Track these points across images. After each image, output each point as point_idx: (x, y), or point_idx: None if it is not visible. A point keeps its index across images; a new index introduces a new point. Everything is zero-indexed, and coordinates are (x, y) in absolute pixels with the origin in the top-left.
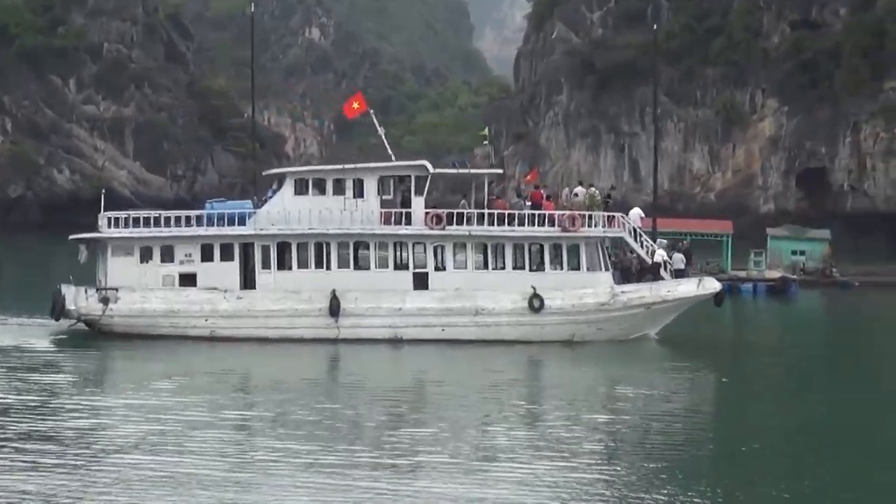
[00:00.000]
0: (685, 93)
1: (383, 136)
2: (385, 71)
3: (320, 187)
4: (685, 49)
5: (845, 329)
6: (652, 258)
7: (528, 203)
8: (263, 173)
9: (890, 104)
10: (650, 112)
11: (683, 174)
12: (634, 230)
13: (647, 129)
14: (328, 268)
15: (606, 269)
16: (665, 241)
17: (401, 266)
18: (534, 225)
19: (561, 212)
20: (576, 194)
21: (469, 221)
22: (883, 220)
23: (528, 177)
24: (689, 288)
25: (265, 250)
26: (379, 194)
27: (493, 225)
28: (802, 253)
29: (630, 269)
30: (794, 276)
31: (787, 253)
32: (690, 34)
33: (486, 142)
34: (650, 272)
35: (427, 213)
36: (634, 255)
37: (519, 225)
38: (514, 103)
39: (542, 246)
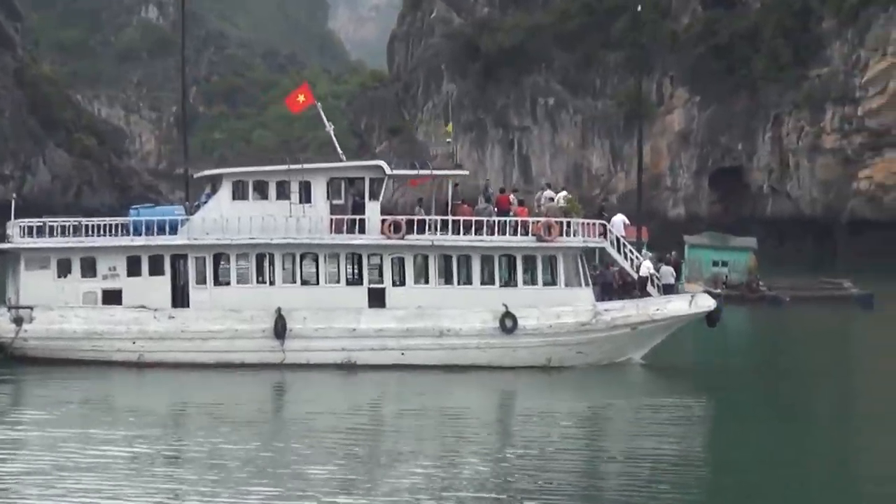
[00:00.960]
0: (583, 81)
1: (331, 132)
2: (232, 56)
3: (262, 191)
4: (583, 31)
5: (792, 354)
6: (638, 272)
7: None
8: (195, 175)
9: (815, 93)
10: (543, 103)
11: (581, 174)
12: (617, 240)
13: (540, 122)
14: (272, 283)
15: (587, 285)
16: (651, 253)
17: (354, 281)
18: (504, 234)
19: (535, 219)
20: (551, 199)
21: (431, 230)
22: (807, 225)
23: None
24: (680, 306)
25: (200, 263)
26: (329, 199)
27: (458, 234)
28: (725, 264)
29: (611, 285)
30: (718, 291)
31: (708, 264)
32: (589, 15)
33: (448, 139)
34: (636, 288)
35: (384, 221)
36: (616, 268)
37: (488, 234)
38: (388, 93)
39: (514, 258)
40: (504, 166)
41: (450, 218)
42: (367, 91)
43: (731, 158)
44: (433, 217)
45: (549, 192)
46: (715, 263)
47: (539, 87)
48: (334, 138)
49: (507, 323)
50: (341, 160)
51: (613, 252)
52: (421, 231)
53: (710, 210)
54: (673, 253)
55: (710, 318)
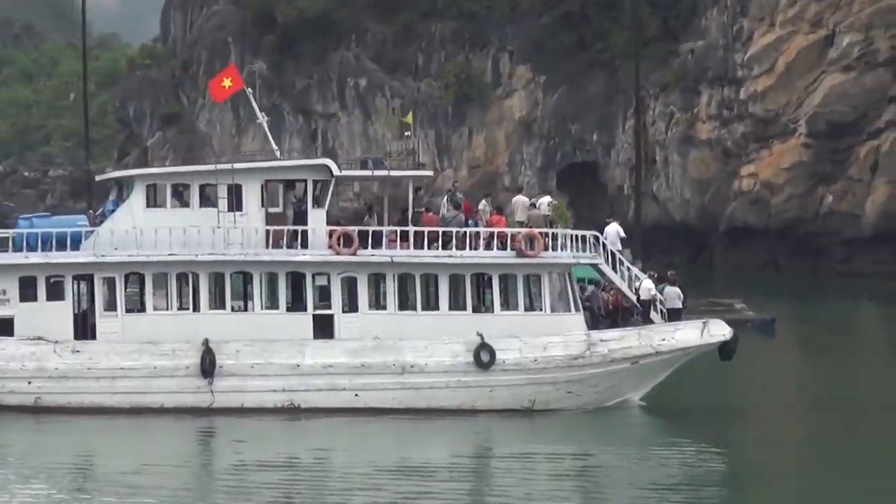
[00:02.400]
0: (402, 58)
1: (265, 125)
2: None
3: (182, 196)
4: None
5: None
6: (637, 293)
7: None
8: (98, 177)
9: (688, 72)
10: (353, 84)
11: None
12: (612, 255)
13: (349, 108)
14: (197, 309)
15: (577, 310)
16: (653, 271)
17: (296, 306)
18: (478, 248)
19: (515, 230)
20: (533, 205)
21: (389, 244)
22: (678, 233)
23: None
24: (690, 335)
25: (109, 285)
26: (264, 205)
27: (422, 248)
28: (593, 282)
29: (595, 310)
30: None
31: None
32: None
33: (408, 132)
34: (633, 313)
35: (331, 233)
36: (607, 291)
37: (458, 248)
38: (162, 73)
39: (489, 277)
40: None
41: (411, 229)
42: (135, 71)
43: (583, 152)
44: (392, 228)
45: (521, 198)
46: (581, 281)
47: (348, 66)
48: (268, 131)
49: (483, 356)
50: (278, 158)
51: (608, 270)
52: (377, 245)
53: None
54: (672, 272)
55: (725, 349)
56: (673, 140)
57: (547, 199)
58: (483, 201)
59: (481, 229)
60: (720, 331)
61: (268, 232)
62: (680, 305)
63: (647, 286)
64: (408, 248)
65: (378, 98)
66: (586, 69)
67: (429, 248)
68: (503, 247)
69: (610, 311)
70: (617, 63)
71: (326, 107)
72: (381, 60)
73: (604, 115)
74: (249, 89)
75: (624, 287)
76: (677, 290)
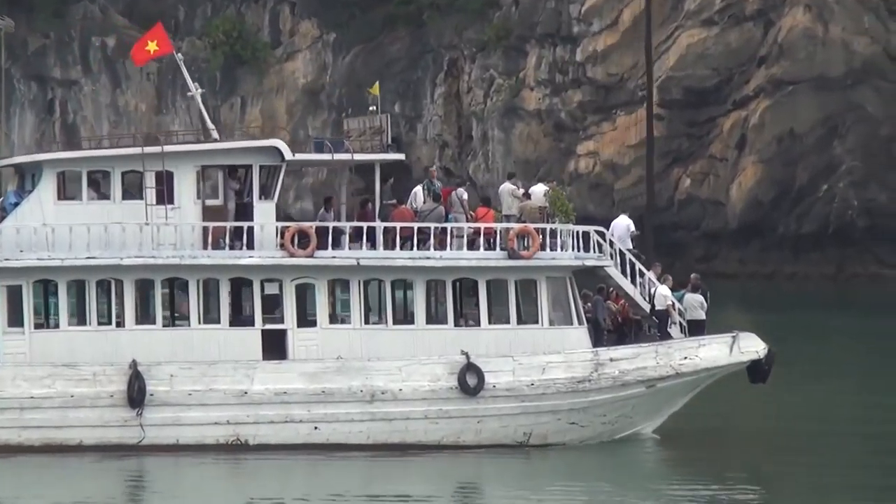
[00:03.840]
0: (158, 12)
1: (199, 98)
2: None
3: (101, 186)
4: None
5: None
6: (652, 302)
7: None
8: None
9: (512, 28)
10: (99, 45)
11: None
12: (621, 255)
13: (95, 73)
14: (121, 324)
15: (581, 322)
16: (669, 274)
17: (242, 320)
18: (461, 247)
19: (506, 225)
20: (527, 194)
21: (354, 243)
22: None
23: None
24: (717, 352)
25: (12, 296)
26: (200, 197)
27: (393, 248)
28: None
29: (601, 323)
30: None
31: None
32: None
33: (372, 107)
34: (643, 327)
35: (283, 230)
36: (612, 299)
37: (437, 248)
38: None
39: (475, 283)
40: (41, 141)
41: (379, 224)
42: None
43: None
44: (357, 224)
45: (509, 186)
46: None
47: (93, 21)
48: (202, 107)
49: (469, 380)
50: (215, 139)
51: (618, 274)
52: (338, 245)
53: (351, 204)
54: (695, 275)
55: (757, 369)
56: (494, 111)
57: (542, 186)
58: (460, 189)
59: (465, 225)
60: (753, 346)
61: (205, 229)
62: (703, 316)
63: (663, 293)
64: (376, 248)
65: (129, 62)
66: (386, 25)
67: (402, 248)
68: (491, 246)
69: (618, 324)
70: (424, 17)
71: (66, 72)
72: (132, 15)
73: (408, 81)
74: (179, 55)
75: (636, 294)
76: (699, 297)
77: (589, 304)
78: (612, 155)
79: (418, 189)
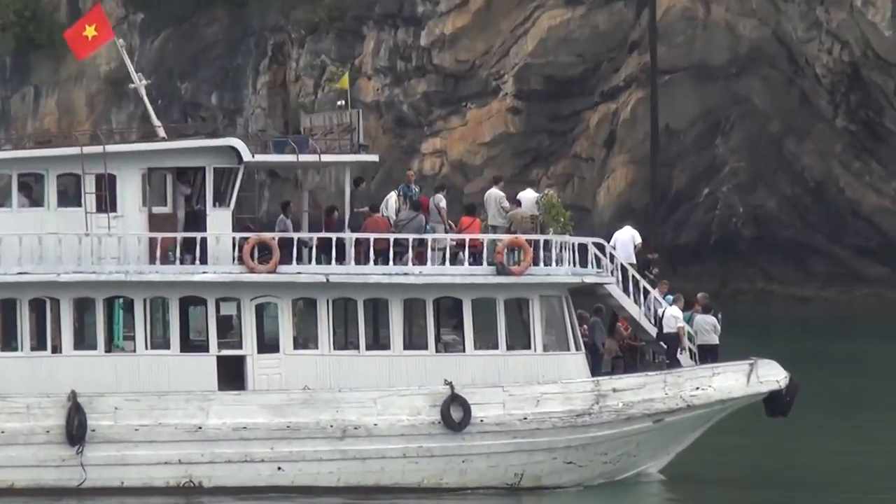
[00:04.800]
0: None
1: (142, 91)
2: None
3: (33, 191)
4: None
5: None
6: (659, 324)
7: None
8: None
9: (346, 8)
10: None
11: None
12: (623, 270)
13: None
14: (58, 350)
15: (578, 347)
16: (681, 295)
17: (195, 345)
18: (442, 262)
19: (494, 236)
20: (517, 201)
21: (323, 257)
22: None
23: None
24: (733, 382)
25: None
26: (146, 204)
27: (366, 263)
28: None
29: (597, 348)
30: None
31: None
32: None
33: (340, 102)
34: (649, 353)
35: (242, 242)
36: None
37: (416, 262)
38: None
39: (459, 303)
40: None
41: (349, 236)
42: None
43: (197, 121)
44: (326, 235)
45: (495, 192)
46: None
47: None
48: (146, 100)
49: (454, 413)
50: (163, 138)
51: (620, 294)
52: (304, 259)
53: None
54: (703, 294)
55: (777, 401)
56: (325, 103)
57: (532, 192)
58: (437, 195)
59: (448, 236)
60: (773, 375)
61: (152, 241)
62: (717, 340)
63: (674, 314)
64: (348, 262)
65: None
66: (201, 4)
67: (376, 262)
68: (477, 260)
69: (626, 349)
70: None
71: None
72: None
73: (226, 69)
74: (121, 41)
75: (641, 317)
76: (712, 318)
77: (585, 327)
78: (461, 154)
79: (392, 195)
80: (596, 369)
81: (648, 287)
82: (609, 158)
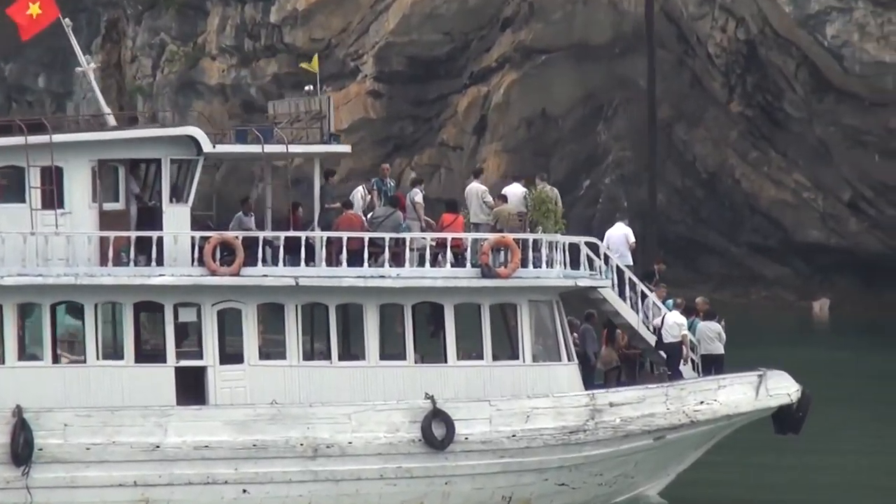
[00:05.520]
0: None
1: (91, 76)
2: None
3: None
4: None
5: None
6: (658, 333)
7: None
8: None
9: None
10: None
11: None
12: (619, 271)
13: None
14: (1, 360)
15: (571, 357)
16: (678, 299)
17: (150, 355)
18: (421, 263)
19: (479, 235)
20: (502, 197)
21: (290, 258)
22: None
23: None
24: (741, 395)
25: None
26: (96, 200)
27: (338, 265)
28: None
29: (591, 358)
30: None
31: None
32: None
33: (309, 86)
34: (647, 363)
35: (202, 242)
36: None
37: (392, 264)
38: None
39: (439, 309)
40: None
41: (320, 235)
42: None
43: (24, 106)
44: (295, 234)
45: (477, 186)
46: None
47: None
48: (96, 86)
49: (436, 430)
50: (115, 127)
51: (615, 298)
52: (271, 260)
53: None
54: (702, 298)
55: (787, 417)
56: (165, 86)
57: (519, 186)
58: (414, 189)
59: (429, 235)
60: (784, 387)
61: (104, 241)
62: (722, 350)
63: (676, 321)
64: (318, 265)
65: None
66: None
67: (350, 264)
68: (460, 262)
69: (623, 359)
70: None
71: None
72: None
73: (54, 48)
74: (67, 20)
75: (639, 324)
76: (717, 325)
77: (575, 335)
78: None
79: (358, 190)
80: (588, 382)
81: (647, 291)
82: (480, 147)
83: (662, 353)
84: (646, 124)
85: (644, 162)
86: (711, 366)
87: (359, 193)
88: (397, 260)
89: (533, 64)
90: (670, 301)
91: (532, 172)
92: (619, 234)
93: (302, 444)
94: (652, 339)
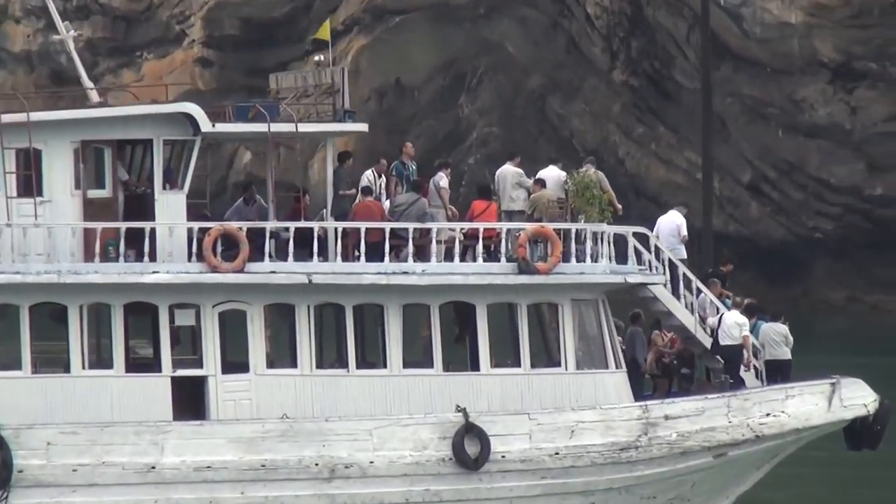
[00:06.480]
0: None
1: (71, 45)
2: None
3: None
4: None
5: None
6: (716, 336)
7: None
8: None
9: None
10: None
11: None
12: (671, 265)
13: None
14: None
15: (619, 365)
16: (739, 297)
17: (144, 363)
18: (451, 258)
19: (516, 225)
20: (539, 181)
21: (301, 252)
22: None
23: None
24: (811, 406)
25: None
26: (80, 186)
27: (356, 261)
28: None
29: (640, 364)
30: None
31: None
32: None
33: (319, 57)
34: (687, 369)
35: (201, 234)
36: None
37: (418, 259)
38: None
39: (472, 309)
40: None
41: (333, 226)
42: None
43: None
44: (307, 225)
45: (510, 169)
46: None
47: None
48: (76, 58)
49: (469, 447)
50: (100, 104)
51: (668, 296)
52: (280, 255)
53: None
54: (749, 299)
55: (862, 431)
56: None
57: (556, 169)
58: (439, 174)
59: (458, 225)
60: (860, 397)
61: (89, 233)
62: (789, 354)
63: (738, 322)
64: (333, 260)
65: None
66: None
67: (369, 259)
68: (493, 256)
69: (666, 366)
70: None
71: None
72: None
73: None
74: None
75: (696, 326)
76: (783, 327)
77: (621, 339)
78: None
79: (367, 174)
80: (637, 391)
81: (703, 288)
82: None
83: (719, 358)
84: (515, 96)
85: (514, 139)
86: (777, 373)
87: (368, 178)
88: (422, 254)
89: (385, 27)
90: (727, 301)
91: (384, 152)
92: (671, 224)
93: (317, 465)
94: (708, 342)
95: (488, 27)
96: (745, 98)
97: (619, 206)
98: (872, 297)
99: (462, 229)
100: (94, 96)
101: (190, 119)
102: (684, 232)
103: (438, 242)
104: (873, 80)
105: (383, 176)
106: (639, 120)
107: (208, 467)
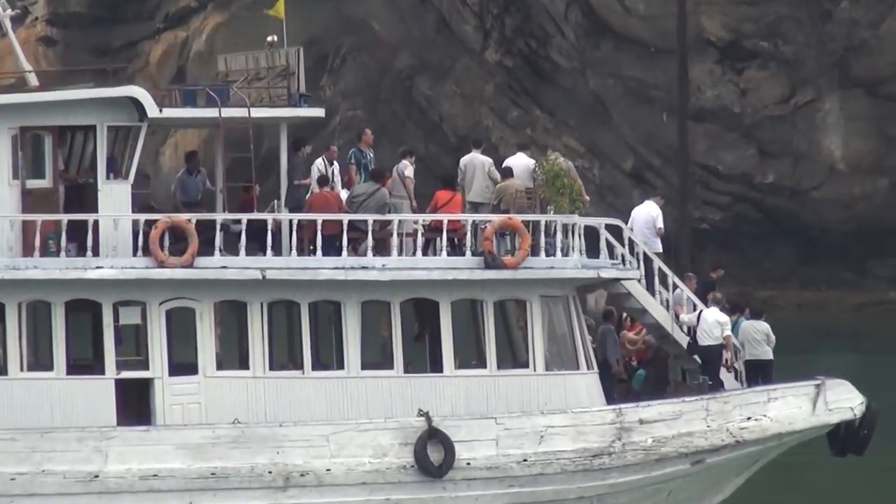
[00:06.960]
0: None
1: (7, 24)
2: None
3: None
4: None
5: None
6: (694, 334)
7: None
8: None
9: None
10: None
11: None
12: (646, 260)
13: None
14: None
15: (590, 366)
16: (717, 294)
17: (86, 365)
18: (413, 253)
19: (482, 217)
20: (505, 170)
21: (255, 244)
22: None
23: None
24: (794, 409)
25: None
26: (17, 176)
27: (313, 254)
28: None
29: (612, 365)
30: None
31: None
32: None
33: (272, 37)
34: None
35: (148, 226)
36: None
37: (379, 253)
38: None
39: (435, 307)
40: None
41: (288, 218)
42: None
43: None
44: (259, 217)
45: (478, 158)
46: None
47: None
48: (13, 37)
49: (432, 454)
50: (40, 87)
51: (643, 293)
52: (230, 248)
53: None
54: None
55: (848, 435)
56: None
57: (524, 157)
58: (403, 161)
59: (420, 217)
60: (846, 400)
61: (28, 226)
62: (770, 354)
63: (718, 320)
64: (287, 254)
65: None
66: None
67: (325, 253)
68: (458, 249)
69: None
70: None
71: None
72: None
73: None
74: None
75: (671, 324)
76: (764, 325)
77: (591, 338)
78: None
79: (318, 163)
80: (609, 394)
81: (680, 284)
82: None
83: (698, 359)
84: (381, 78)
85: (380, 123)
86: (758, 374)
87: (318, 168)
88: (382, 247)
89: (242, 3)
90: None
91: (238, 139)
92: (645, 216)
93: (271, 473)
94: (685, 342)
95: (352, 4)
96: (628, 79)
97: (587, 198)
98: (763, 293)
99: (424, 221)
100: (33, 79)
101: (136, 104)
102: (660, 224)
103: (400, 235)
104: (764, 60)
105: (335, 163)
106: (513, 102)
107: (155, 476)
